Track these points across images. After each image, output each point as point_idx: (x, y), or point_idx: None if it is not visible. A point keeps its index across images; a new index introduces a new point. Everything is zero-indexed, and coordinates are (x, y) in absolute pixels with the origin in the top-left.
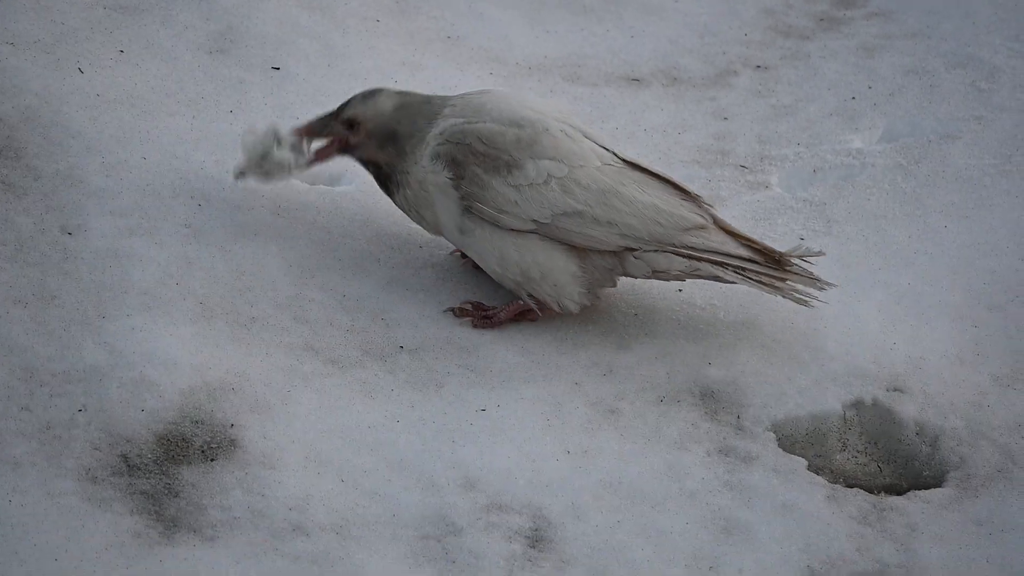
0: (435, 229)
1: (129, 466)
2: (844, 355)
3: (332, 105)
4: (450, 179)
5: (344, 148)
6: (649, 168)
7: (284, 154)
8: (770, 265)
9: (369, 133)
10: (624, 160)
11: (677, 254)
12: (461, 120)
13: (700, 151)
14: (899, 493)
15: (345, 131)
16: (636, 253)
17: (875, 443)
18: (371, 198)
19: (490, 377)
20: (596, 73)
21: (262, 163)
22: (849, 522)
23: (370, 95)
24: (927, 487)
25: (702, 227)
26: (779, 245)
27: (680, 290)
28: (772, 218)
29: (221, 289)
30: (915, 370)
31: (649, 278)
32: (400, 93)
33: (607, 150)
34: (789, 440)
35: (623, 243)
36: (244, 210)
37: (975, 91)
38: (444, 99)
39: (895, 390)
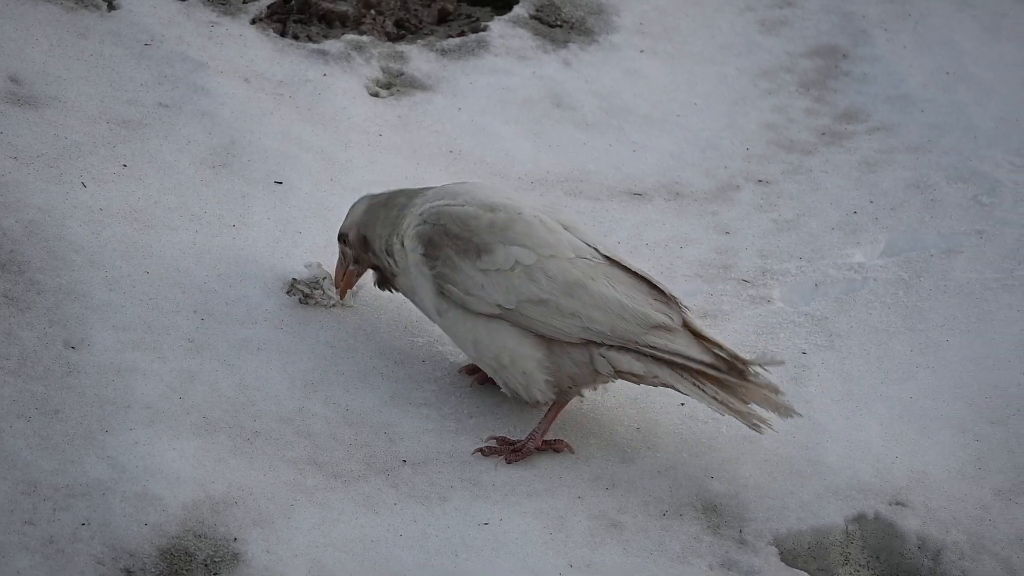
0: (427, 312)
1: None
2: (846, 469)
3: (334, 219)
4: (425, 259)
5: (355, 262)
6: (628, 266)
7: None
8: (732, 374)
9: (352, 241)
10: (605, 256)
11: (638, 353)
12: (440, 203)
13: (702, 265)
14: None
15: (344, 248)
16: (600, 350)
17: (877, 557)
18: (374, 313)
19: (493, 491)
20: (599, 187)
21: (312, 293)
22: None
23: (351, 207)
24: None
25: (667, 328)
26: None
27: (683, 404)
28: (774, 332)
29: (224, 403)
30: (917, 484)
31: (614, 378)
32: (372, 196)
33: (588, 245)
34: (791, 554)
35: (585, 336)
36: (247, 325)
37: (977, 205)
38: (419, 189)
39: (897, 504)
